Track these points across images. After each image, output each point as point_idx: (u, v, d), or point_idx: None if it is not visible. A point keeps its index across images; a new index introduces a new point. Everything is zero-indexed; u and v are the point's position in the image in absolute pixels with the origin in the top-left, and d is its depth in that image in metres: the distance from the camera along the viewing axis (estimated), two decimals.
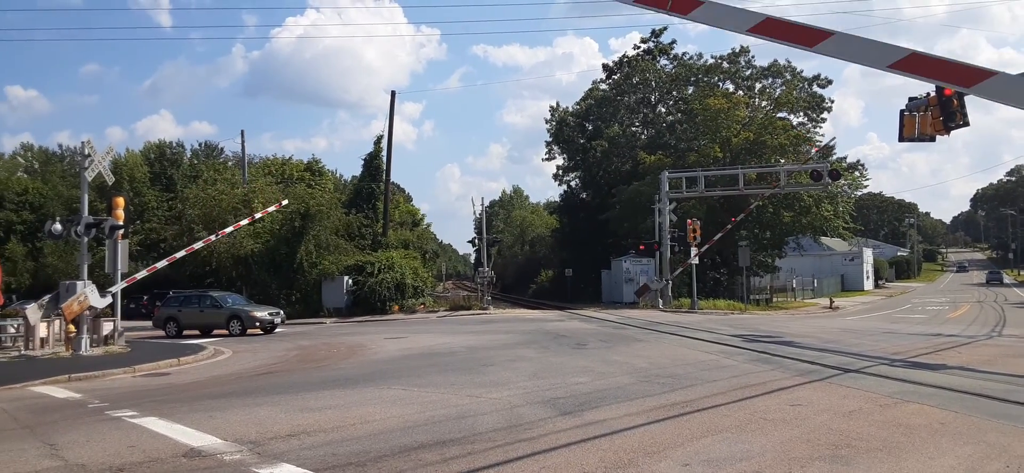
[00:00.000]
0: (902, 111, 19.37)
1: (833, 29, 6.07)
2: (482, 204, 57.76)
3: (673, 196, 40.65)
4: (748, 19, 5.80)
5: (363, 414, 9.30)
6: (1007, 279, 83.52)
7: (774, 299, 45.31)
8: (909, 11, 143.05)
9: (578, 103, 64.35)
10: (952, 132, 18.78)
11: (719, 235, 40.34)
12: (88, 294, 18.75)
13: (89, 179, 20.22)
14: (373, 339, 22.66)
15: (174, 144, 62.07)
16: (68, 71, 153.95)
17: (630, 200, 46.97)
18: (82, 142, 20.60)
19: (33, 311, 18.81)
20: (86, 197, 20.35)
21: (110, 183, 22.91)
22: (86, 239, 19.82)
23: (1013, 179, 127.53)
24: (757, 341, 20.10)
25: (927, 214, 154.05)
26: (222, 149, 65.05)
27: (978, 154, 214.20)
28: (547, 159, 66.41)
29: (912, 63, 5.00)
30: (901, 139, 19.42)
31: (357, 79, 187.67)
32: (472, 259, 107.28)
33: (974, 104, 20.13)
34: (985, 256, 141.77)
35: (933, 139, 19.18)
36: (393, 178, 46.63)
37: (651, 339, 20.20)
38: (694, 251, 38.88)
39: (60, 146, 62.43)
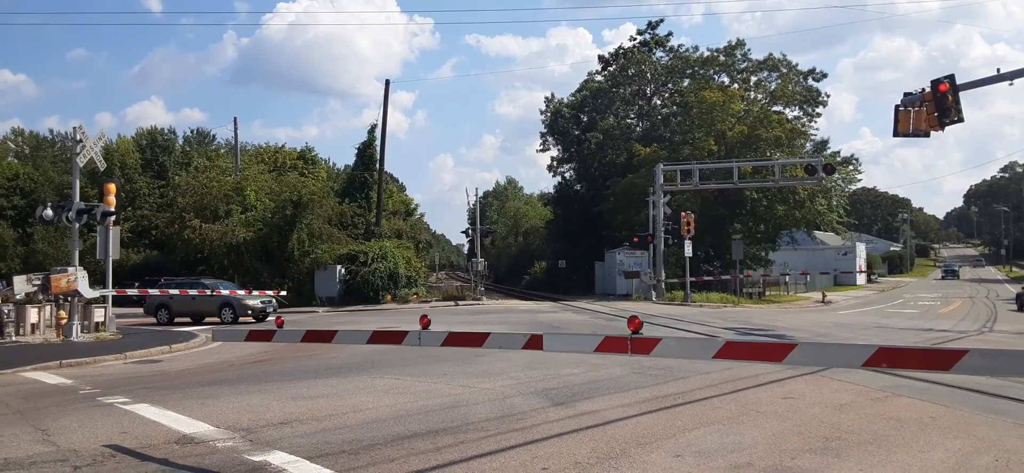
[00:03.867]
0: (897, 106, 19.45)
1: (797, 340, 5.94)
2: (476, 195, 57.78)
3: (667, 189, 40.70)
4: (711, 347, 5.90)
5: (356, 403, 9.30)
6: (995, 272, 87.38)
7: (767, 293, 45.50)
8: (904, 6, 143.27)
9: (573, 94, 64.31)
10: (946, 128, 18.92)
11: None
12: (79, 277, 18.67)
13: (81, 165, 20.11)
14: (367, 328, 22.61)
15: (166, 131, 61.76)
16: (56, 55, 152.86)
17: (624, 192, 47.00)
18: (74, 128, 20.49)
19: (20, 282, 18.71)
20: (77, 183, 20.22)
21: (102, 169, 22.80)
22: (77, 225, 19.72)
23: (1006, 175, 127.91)
24: (750, 334, 20.16)
25: (920, 210, 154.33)
26: (214, 136, 64.80)
27: (971, 150, 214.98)
28: (541, 150, 66.34)
29: (882, 356, 5.04)
30: (896, 134, 19.51)
31: (349, 67, 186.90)
32: (465, 249, 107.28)
33: (967, 100, 20.21)
34: (977, 252, 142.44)
35: (928, 134, 19.27)
36: (386, 168, 46.55)
37: (644, 331, 20.20)
38: (689, 245, 38.92)
39: (51, 131, 62.06)
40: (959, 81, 18.64)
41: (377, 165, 45.46)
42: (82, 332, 18.77)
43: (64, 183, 41.59)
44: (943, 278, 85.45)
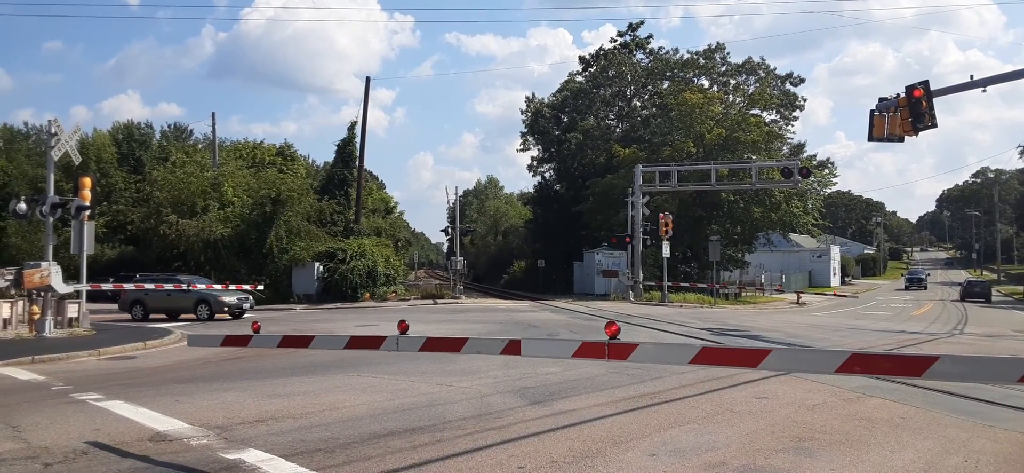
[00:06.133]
0: (872, 111, 19.71)
1: (772, 345, 5.95)
2: (456, 193, 57.72)
3: (646, 190, 40.91)
4: (688, 353, 5.90)
5: (332, 401, 9.27)
6: (967, 276, 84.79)
7: (743, 294, 45.84)
8: (879, 12, 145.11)
9: (554, 95, 64.37)
10: (920, 133, 19.20)
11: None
12: (52, 272, 18.43)
13: (55, 158, 19.85)
14: (343, 326, 22.55)
15: (143, 125, 61.08)
16: (30, 47, 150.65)
17: (603, 193, 47.17)
18: (48, 121, 20.20)
19: None
20: (52, 176, 19.96)
21: (77, 163, 22.49)
22: (51, 219, 19.46)
23: (978, 181, 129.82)
24: (725, 335, 20.34)
25: (893, 213, 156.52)
26: (191, 131, 64.15)
27: (943, 155, 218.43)
28: (522, 150, 66.36)
29: (855, 362, 5.07)
30: (871, 139, 19.77)
31: (328, 64, 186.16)
32: (445, 248, 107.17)
33: (940, 105, 20.47)
34: (948, 255, 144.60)
35: (902, 139, 19.56)
36: (366, 165, 46.35)
37: (622, 332, 20.27)
38: (666, 246, 39.14)
39: (25, 124, 60.87)
40: (933, 87, 18.94)
41: (357, 162, 45.26)
42: (55, 328, 18.54)
43: (38, 177, 41.05)
44: (907, 289, 67.16)
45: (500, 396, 9.55)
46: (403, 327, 7.01)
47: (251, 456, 6.49)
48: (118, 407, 8.85)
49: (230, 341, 8.32)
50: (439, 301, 39.62)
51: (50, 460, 6.41)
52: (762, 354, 5.36)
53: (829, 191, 70.91)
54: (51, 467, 6.21)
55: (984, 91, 20.43)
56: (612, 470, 6.10)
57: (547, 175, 64.80)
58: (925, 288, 66.63)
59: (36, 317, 18.44)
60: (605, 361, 12.27)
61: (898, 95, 19.19)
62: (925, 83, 18.80)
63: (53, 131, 19.74)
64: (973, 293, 52.00)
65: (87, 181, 21.07)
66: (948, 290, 65.32)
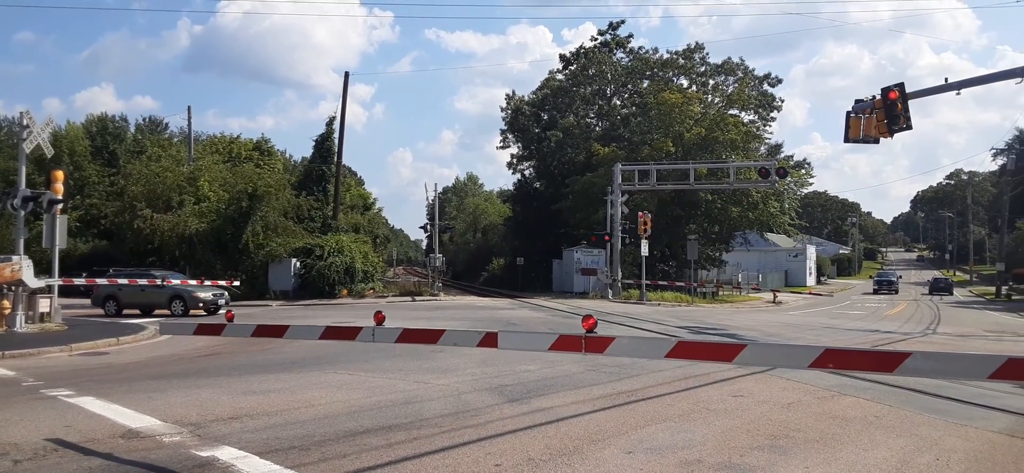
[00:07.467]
0: (848, 113, 19.90)
1: (747, 341, 5.98)
2: (435, 190, 57.34)
3: (625, 188, 41.06)
4: (664, 347, 5.90)
5: (308, 398, 9.20)
6: (940, 276, 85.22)
7: (720, 292, 46.18)
8: (856, 14, 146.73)
9: (534, 92, 64.33)
10: (895, 135, 19.42)
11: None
12: (23, 266, 18.13)
13: (27, 151, 19.50)
14: (319, 323, 22.37)
15: (117, 118, 60.32)
16: (1, 38, 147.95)
17: (583, 191, 47.27)
18: (20, 113, 19.86)
19: None
20: (24, 169, 19.62)
21: (49, 156, 22.13)
22: (23, 213, 19.14)
23: (951, 182, 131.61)
24: (702, 333, 20.46)
25: (869, 214, 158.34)
26: (167, 125, 63.51)
27: (917, 157, 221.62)
28: (502, 147, 66.24)
29: (828, 358, 5.12)
30: (847, 140, 19.96)
31: (305, 58, 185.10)
32: (424, 245, 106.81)
33: (915, 108, 20.75)
34: (915, 255, 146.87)
35: (877, 141, 19.76)
36: (344, 161, 46.06)
37: (599, 329, 20.33)
38: (645, 245, 39.31)
39: None
40: (908, 89, 19.15)
41: (335, 158, 44.95)
42: (26, 323, 18.24)
43: (9, 169, 40.39)
44: (875, 292, 62.59)
45: (477, 394, 9.53)
46: (379, 318, 6.96)
47: (225, 454, 6.42)
48: (89, 403, 8.72)
49: (203, 329, 8.25)
50: (418, 298, 39.50)
51: (19, 457, 6.30)
52: (737, 349, 5.41)
53: (805, 191, 71.69)
54: (20, 464, 6.10)
55: (958, 94, 20.76)
56: (589, 467, 6.10)
57: (527, 173, 64.77)
58: (896, 292, 62.44)
59: (7, 312, 18.12)
60: (582, 357, 12.31)
61: (874, 97, 19.39)
62: (900, 85, 19.02)
63: (25, 123, 19.39)
64: (938, 288, 65.38)
65: (59, 174, 20.74)
66: (919, 289, 67.27)
